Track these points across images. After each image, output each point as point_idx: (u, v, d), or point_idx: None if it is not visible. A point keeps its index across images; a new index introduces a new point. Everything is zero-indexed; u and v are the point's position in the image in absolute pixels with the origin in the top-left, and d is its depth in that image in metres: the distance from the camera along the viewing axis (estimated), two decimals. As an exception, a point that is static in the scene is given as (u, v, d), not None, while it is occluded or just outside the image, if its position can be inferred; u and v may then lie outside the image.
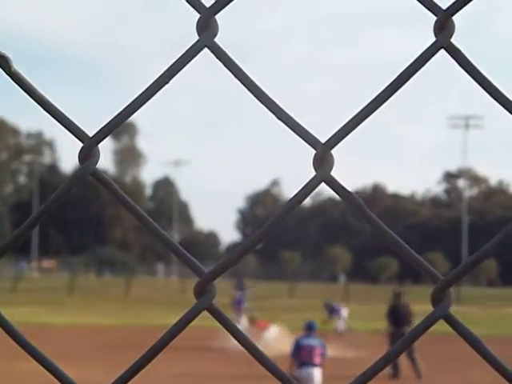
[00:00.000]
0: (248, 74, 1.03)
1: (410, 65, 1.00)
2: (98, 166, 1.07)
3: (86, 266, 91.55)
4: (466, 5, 0.99)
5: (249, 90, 1.03)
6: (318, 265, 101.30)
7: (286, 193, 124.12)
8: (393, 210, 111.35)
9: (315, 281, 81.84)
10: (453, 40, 0.99)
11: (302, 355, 14.75)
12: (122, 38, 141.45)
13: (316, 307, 35.36)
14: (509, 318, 41.82)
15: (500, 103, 0.98)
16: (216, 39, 1.04)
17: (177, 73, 1.05)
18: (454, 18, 1.00)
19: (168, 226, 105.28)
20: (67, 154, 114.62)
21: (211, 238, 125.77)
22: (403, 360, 19.78)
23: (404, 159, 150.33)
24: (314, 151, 1.02)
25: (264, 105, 1.02)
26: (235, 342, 1.04)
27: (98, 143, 1.07)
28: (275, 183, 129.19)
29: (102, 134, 1.08)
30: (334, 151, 1.02)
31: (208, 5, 1.05)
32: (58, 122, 1.09)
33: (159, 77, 1.05)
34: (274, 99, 1.02)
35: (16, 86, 1.10)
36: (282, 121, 1.02)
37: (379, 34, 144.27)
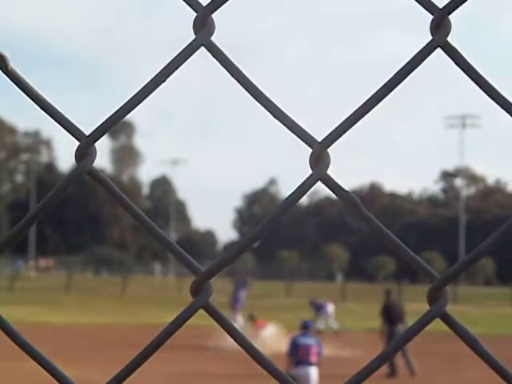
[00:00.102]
0: (245, 73, 1.03)
1: (407, 64, 1.00)
2: (94, 164, 1.07)
3: (83, 265, 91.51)
4: (462, 4, 0.99)
5: (245, 89, 1.03)
6: (316, 264, 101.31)
7: (283, 192, 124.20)
8: (390, 208, 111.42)
9: (312, 280, 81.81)
10: (449, 39, 0.99)
11: (298, 354, 14.80)
12: (119, 37, 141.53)
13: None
14: (505, 317, 41.86)
15: (497, 102, 0.98)
16: (213, 38, 1.04)
17: (173, 71, 1.05)
18: (450, 16, 1.00)
19: (165, 224, 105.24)
20: (64, 153, 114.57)
21: (208, 236, 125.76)
22: (400, 359, 19.83)
23: (401, 158, 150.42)
24: (310, 150, 1.02)
25: (261, 104, 1.02)
26: (231, 340, 1.04)
27: (95, 142, 1.07)
28: (272, 182, 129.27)
29: (98, 133, 1.08)
30: (330, 150, 1.02)
31: (204, 3, 1.05)
32: (55, 120, 1.09)
33: (156, 75, 1.05)
34: (270, 98, 1.02)
35: (13, 84, 1.10)
36: (278, 120, 1.02)
37: (378, 34, 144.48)
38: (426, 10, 1.00)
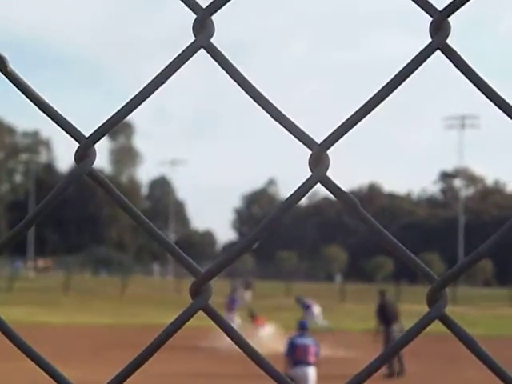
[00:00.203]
0: (244, 74, 1.03)
1: (406, 66, 1.00)
2: (94, 165, 1.07)
3: (82, 265, 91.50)
4: (461, 6, 1.00)
5: (245, 90, 1.03)
6: (315, 264, 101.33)
7: (282, 192, 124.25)
8: (389, 209, 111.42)
9: (311, 280, 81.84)
10: (448, 41, 0.99)
11: (296, 354, 14.79)
12: (119, 38, 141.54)
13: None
14: (505, 318, 41.87)
15: (496, 104, 0.98)
16: (213, 40, 1.04)
17: (173, 73, 1.05)
18: (449, 19, 1.00)
19: (164, 225, 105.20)
20: (63, 154, 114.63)
21: (207, 237, 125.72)
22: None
23: (400, 159, 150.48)
24: (309, 151, 1.02)
25: (260, 105, 1.02)
26: (228, 341, 1.04)
27: (95, 143, 1.08)
28: (272, 182, 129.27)
29: (98, 134, 1.08)
30: (330, 151, 1.02)
31: (204, 5, 1.06)
32: (54, 122, 1.09)
33: (155, 77, 1.05)
34: (270, 100, 1.03)
35: (12, 85, 1.10)
36: (278, 122, 1.02)
37: (378, 35, 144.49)
38: (426, 12, 1.00)
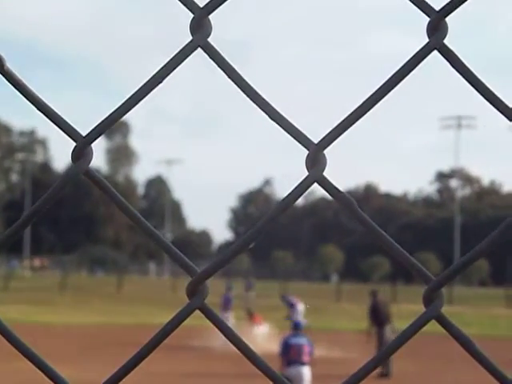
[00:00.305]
0: (241, 74, 1.03)
1: (403, 66, 1.00)
2: (90, 164, 1.07)
3: (78, 264, 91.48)
4: (459, 6, 1.00)
5: (242, 90, 1.03)
6: (311, 264, 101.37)
7: (278, 192, 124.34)
8: (385, 209, 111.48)
9: (307, 280, 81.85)
10: (446, 41, 0.99)
11: (291, 354, 14.75)
12: (119, 38, 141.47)
13: (308, 307, 35.31)
14: (500, 318, 41.91)
15: (493, 105, 0.98)
16: (210, 39, 1.04)
17: (170, 73, 1.05)
18: (447, 19, 1.00)
19: (160, 224, 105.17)
20: (60, 153, 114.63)
21: (203, 236, 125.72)
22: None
23: (396, 159, 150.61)
24: (306, 151, 1.02)
25: (257, 105, 1.02)
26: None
27: (91, 143, 1.07)
28: (268, 182, 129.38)
29: (95, 134, 1.08)
30: (326, 151, 1.02)
31: (201, 5, 1.05)
32: (51, 121, 1.09)
33: (152, 77, 1.05)
34: (267, 100, 1.02)
35: (9, 84, 1.10)
36: (275, 121, 1.02)
37: (377, 35, 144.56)
38: (423, 12, 1.00)
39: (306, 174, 1.02)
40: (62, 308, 40.31)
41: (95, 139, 1.08)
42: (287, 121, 1.02)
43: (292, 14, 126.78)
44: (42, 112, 1.09)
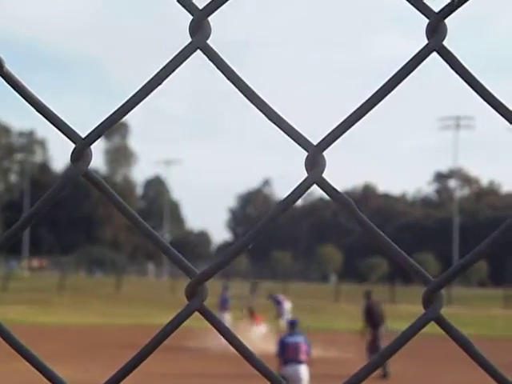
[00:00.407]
0: (240, 75, 1.03)
1: (403, 67, 1.00)
2: (89, 166, 1.07)
3: (77, 265, 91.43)
4: (458, 8, 1.00)
5: (241, 91, 1.03)
6: (309, 264, 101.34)
7: (277, 192, 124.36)
8: (383, 210, 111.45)
9: (306, 280, 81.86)
10: (445, 42, 0.99)
11: (288, 353, 14.70)
12: (119, 38, 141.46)
13: (307, 307, 35.39)
14: (499, 318, 41.92)
15: (492, 106, 0.98)
16: (209, 40, 1.04)
17: (169, 74, 1.05)
18: (446, 20, 1.00)
19: (159, 225, 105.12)
20: (59, 153, 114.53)
21: (202, 237, 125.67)
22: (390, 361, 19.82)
23: (395, 159, 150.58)
24: (306, 152, 1.02)
25: (256, 106, 1.02)
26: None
27: (91, 144, 1.07)
28: (267, 183, 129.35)
29: (94, 135, 1.08)
30: (324, 151, 1.02)
31: (201, 6, 1.06)
32: (50, 122, 1.09)
33: (152, 78, 1.05)
34: (266, 101, 1.02)
35: (8, 86, 1.10)
36: (274, 123, 1.02)
37: (377, 36, 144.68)
38: (422, 13, 1.00)
39: (305, 174, 1.02)
40: (61, 308, 40.30)
41: (94, 141, 1.08)
42: (286, 122, 1.02)
43: (292, 14, 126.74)
44: (41, 114, 1.09)
